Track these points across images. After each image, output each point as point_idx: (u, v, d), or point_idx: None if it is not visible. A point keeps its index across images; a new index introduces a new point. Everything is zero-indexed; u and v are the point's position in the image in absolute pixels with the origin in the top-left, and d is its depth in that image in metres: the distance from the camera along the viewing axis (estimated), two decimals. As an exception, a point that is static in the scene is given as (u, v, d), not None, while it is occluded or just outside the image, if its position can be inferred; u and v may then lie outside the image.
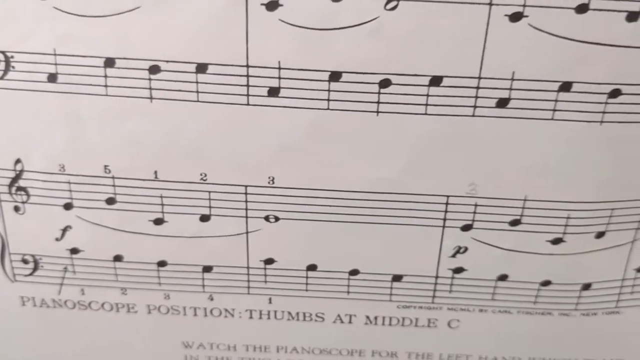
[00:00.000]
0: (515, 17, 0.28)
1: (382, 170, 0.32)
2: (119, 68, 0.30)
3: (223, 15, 0.29)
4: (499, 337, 0.37)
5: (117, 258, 0.35)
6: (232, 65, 0.30)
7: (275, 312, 0.37)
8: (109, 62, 0.30)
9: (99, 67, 0.30)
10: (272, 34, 0.29)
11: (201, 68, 0.30)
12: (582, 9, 0.28)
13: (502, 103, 0.30)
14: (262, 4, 0.28)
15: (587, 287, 0.35)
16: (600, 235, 0.34)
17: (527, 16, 0.28)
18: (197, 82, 0.30)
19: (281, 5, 0.28)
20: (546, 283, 0.35)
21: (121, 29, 0.29)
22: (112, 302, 0.36)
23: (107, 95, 0.30)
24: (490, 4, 0.28)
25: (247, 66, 0.29)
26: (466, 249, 0.34)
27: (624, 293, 0.36)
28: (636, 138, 0.31)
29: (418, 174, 0.32)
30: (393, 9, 0.28)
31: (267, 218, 0.33)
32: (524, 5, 0.28)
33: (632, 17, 0.28)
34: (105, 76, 0.30)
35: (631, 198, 0.33)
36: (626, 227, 0.34)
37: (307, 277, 0.35)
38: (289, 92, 0.30)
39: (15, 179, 0.33)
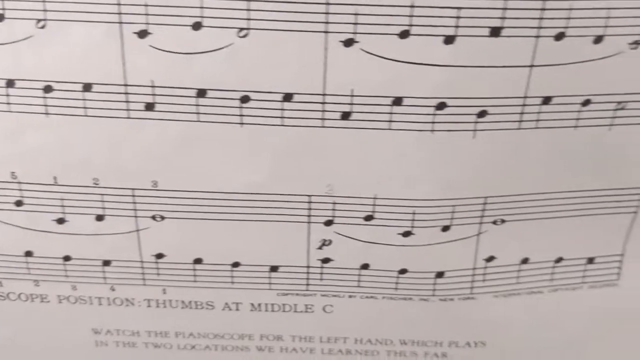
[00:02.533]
0: (348, 42, 0.33)
1: (250, 174, 0.37)
2: (18, 88, 0.35)
3: (102, 42, 0.34)
4: (369, 321, 0.43)
5: (28, 253, 0.40)
6: (112, 84, 0.35)
7: (170, 301, 0.42)
8: (10, 83, 0.35)
9: (2, 87, 0.35)
10: (145, 58, 0.34)
11: (87, 87, 0.35)
12: (404, 34, 0.33)
13: (346, 116, 0.35)
14: (134, 32, 0.34)
15: (440, 275, 0.41)
16: (445, 228, 0.39)
17: (358, 42, 0.33)
18: (84, 100, 0.35)
19: (150, 33, 0.34)
20: (403, 271, 0.40)
21: (18, 55, 0.34)
22: (27, 293, 0.41)
23: (9, 111, 0.35)
24: (326, 32, 0.33)
25: (125, 85, 0.35)
26: (331, 242, 0.39)
27: (476, 281, 0.41)
28: (463, 145, 0.36)
29: (282, 177, 0.37)
30: (245, 36, 0.33)
31: (154, 217, 0.38)
32: (355, 33, 0.33)
33: (448, 40, 0.33)
34: (8, 95, 0.35)
35: (470, 196, 0.38)
36: (470, 222, 0.39)
37: (194, 270, 0.40)
38: (163, 106, 0.35)
39: None
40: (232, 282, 0.41)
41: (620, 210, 0.40)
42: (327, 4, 0.32)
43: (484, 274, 0.41)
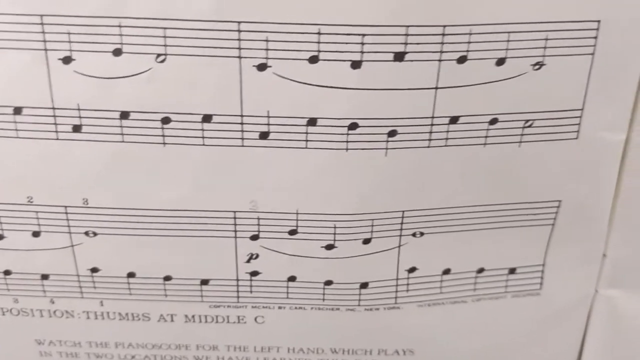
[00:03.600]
0: (261, 67, 0.35)
1: (175, 191, 0.39)
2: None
3: (30, 68, 0.36)
4: (300, 331, 0.44)
5: (-29, 268, 0.42)
6: (41, 107, 0.37)
7: (108, 313, 0.44)
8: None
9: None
10: (70, 82, 0.36)
11: (17, 110, 0.37)
12: (313, 59, 0.35)
13: (264, 135, 0.37)
14: (59, 59, 0.36)
15: (364, 285, 0.42)
16: (366, 241, 0.41)
17: (270, 66, 0.35)
18: (15, 122, 0.37)
19: (74, 59, 0.35)
20: (329, 283, 0.42)
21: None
22: (-27, 306, 0.43)
23: None
24: (240, 57, 0.35)
25: (53, 108, 0.37)
26: (258, 255, 0.41)
27: (400, 291, 0.43)
28: (376, 162, 0.38)
29: (206, 194, 0.39)
30: (163, 61, 0.35)
31: (87, 233, 0.40)
32: (267, 58, 0.35)
33: (355, 65, 0.36)
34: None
35: (387, 210, 0.40)
36: (389, 235, 0.41)
37: (128, 283, 0.42)
38: (89, 128, 0.37)
39: None
40: (166, 295, 0.43)
41: (538, 222, 0.42)
42: (239, 31, 0.34)
43: (407, 284, 0.43)
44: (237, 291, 0.42)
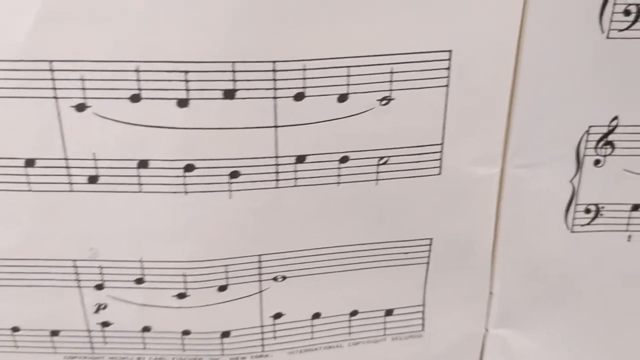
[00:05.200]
0: (80, 107, 0.33)
1: (7, 239, 0.36)
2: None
3: None
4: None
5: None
6: None
7: None
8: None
9: None
10: None
11: None
12: (135, 98, 0.32)
13: (93, 179, 0.34)
14: None
15: (226, 334, 0.39)
16: (222, 288, 0.38)
17: (90, 106, 0.32)
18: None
19: None
20: (186, 332, 0.39)
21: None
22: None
23: None
24: (56, 98, 0.32)
25: None
26: (106, 306, 0.38)
27: (267, 338, 0.40)
28: (220, 205, 0.35)
29: (38, 242, 0.36)
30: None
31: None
32: (85, 97, 0.32)
33: (182, 103, 0.33)
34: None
35: (242, 255, 0.37)
36: (248, 280, 0.38)
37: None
38: None
39: None
40: (16, 347, 0.39)
41: (411, 261, 0.40)
42: (52, 70, 0.31)
43: (274, 331, 0.40)
44: (91, 342, 0.39)
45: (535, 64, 0.35)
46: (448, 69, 0.34)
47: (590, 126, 0.37)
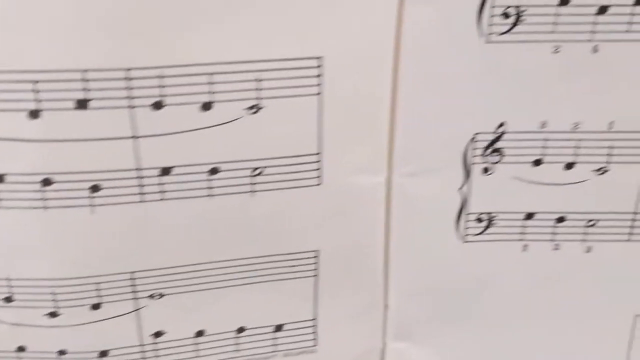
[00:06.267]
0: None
1: None
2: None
3: None
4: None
5: None
6: None
7: None
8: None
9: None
10: None
11: None
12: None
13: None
14: None
15: (104, 354, 0.38)
16: (96, 307, 0.36)
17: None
18: None
19: None
20: (62, 352, 0.37)
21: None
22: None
23: None
24: None
25: None
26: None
27: (147, 357, 0.39)
28: (82, 221, 0.33)
29: None
30: None
31: None
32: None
33: (33, 114, 0.31)
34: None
35: (111, 272, 0.35)
36: (122, 298, 0.36)
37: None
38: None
39: None
40: None
41: (299, 275, 0.38)
42: None
43: (155, 350, 0.38)
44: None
45: (415, 70, 0.33)
46: (319, 76, 0.32)
47: (476, 133, 0.35)
